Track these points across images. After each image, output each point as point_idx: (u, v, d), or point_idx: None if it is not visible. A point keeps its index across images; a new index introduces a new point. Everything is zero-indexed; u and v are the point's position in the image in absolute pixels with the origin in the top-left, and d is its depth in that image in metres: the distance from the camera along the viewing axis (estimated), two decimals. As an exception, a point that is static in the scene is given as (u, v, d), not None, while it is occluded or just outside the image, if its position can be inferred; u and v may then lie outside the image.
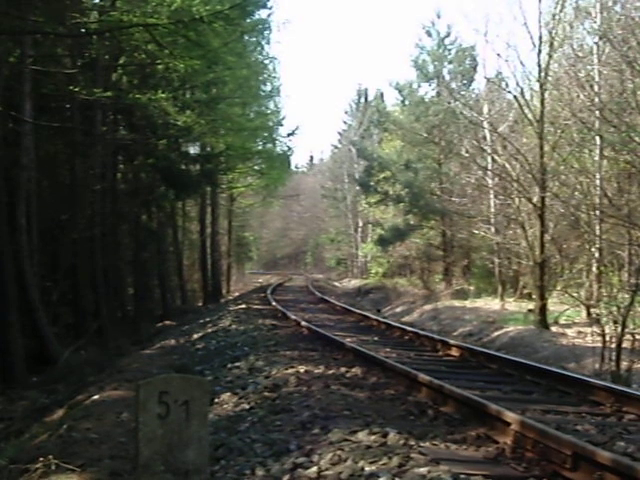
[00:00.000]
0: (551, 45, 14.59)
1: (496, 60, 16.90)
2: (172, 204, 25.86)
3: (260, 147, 28.69)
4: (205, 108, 20.79)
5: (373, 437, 4.77)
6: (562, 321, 14.28)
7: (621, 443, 4.86)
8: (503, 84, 18.47)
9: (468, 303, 19.65)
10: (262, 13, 20.82)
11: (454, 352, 9.76)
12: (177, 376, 4.86)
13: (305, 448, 4.76)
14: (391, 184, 29.27)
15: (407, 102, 31.11)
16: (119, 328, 18.24)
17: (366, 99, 52.76)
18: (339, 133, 56.63)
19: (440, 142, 26.94)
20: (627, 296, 10.10)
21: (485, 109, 20.53)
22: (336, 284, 41.93)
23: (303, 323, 13.04)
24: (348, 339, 10.87)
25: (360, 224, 47.98)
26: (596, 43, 16.11)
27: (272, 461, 4.63)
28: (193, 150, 26.74)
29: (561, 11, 14.76)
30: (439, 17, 28.82)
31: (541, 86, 14.54)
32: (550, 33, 14.57)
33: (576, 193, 16.04)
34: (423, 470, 3.97)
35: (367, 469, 4.09)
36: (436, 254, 27.99)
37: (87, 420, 6.76)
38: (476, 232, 22.55)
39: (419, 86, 30.03)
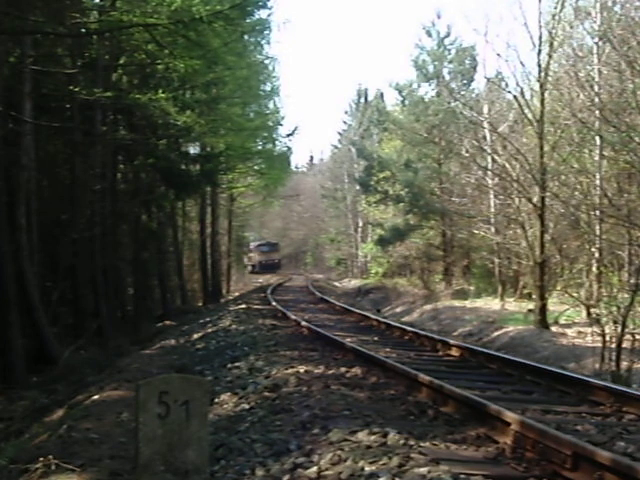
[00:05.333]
0: (551, 45, 14.58)
1: (496, 60, 16.90)
2: (172, 204, 25.84)
3: (260, 147, 28.69)
4: (205, 108, 20.78)
5: (373, 437, 4.77)
6: (562, 321, 14.28)
7: (621, 443, 4.86)
8: (503, 84, 18.48)
9: (468, 303, 19.65)
10: (262, 13, 20.76)
11: (454, 352, 9.76)
12: (177, 376, 4.86)
13: (305, 448, 4.76)
14: (391, 184, 29.28)
15: (407, 102, 31.12)
16: (119, 328, 18.23)
17: (366, 99, 52.73)
18: (339, 133, 56.65)
19: (440, 142, 26.94)
20: (627, 296, 10.10)
21: (485, 109, 20.53)
22: (336, 284, 41.91)
23: (303, 323, 13.04)
24: (348, 339, 10.86)
25: (360, 224, 47.97)
26: (596, 43, 16.11)
27: (272, 461, 4.63)
28: (193, 150, 26.74)
29: (561, 11, 14.76)
30: (439, 17, 28.90)
31: (541, 86, 14.53)
32: (550, 33, 14.57)
33: (576, 193, 16.05)
34: (423, 470, 3.97)
35: (367, 469, 4.09)
36: (436, 254, 27.99)
37: (87, 420, 6.76)
38: (476, 232, 22.55)
39: (419, 86, 30.07)
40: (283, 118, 30.93)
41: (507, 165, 16.47)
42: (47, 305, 14.98)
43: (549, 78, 15.08)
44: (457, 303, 19.78)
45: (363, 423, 5.25)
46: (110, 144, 18.62)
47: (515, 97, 15.70)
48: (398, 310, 21.81)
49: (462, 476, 3.94)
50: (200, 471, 4.28)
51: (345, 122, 55.13)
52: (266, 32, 22.45)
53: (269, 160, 29.57)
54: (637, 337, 9.42)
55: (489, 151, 19.26)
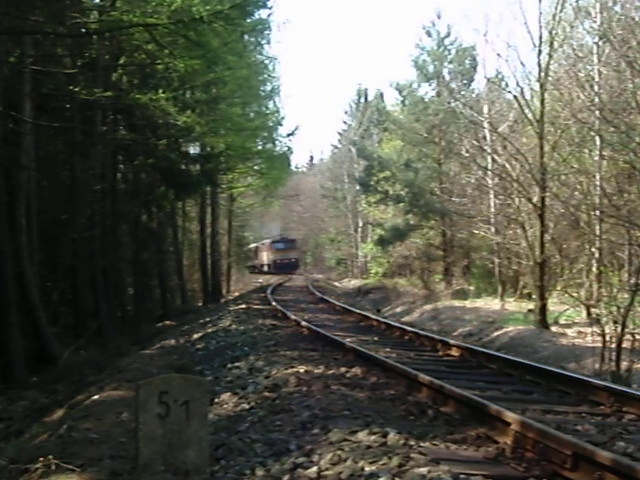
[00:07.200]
0: (551, 45, 14.59)
1: (496, 60, 16.94)
2: (172, 204, 25.85)
3: (260, 147, 28.69)
4: (205, 108, 20.77)
5: (373, 437, 4.77)
6: (562, 321, 14.28)
7: (621, 443, 4.86)
8: (503, 84, 18.51)
9: (468, 303, 19.64)
10: (262, 13, 20.77)
11: (454, 352, 9.76)
12: (177, 376, 4.87)
13: (305, 448, 4.75)
14: (391, 184, 29.29)
15: (407, 102, 31.13)
16: (119, 328, 18.22)
17: (366, 99, 52.73)
18: (339, 133, 56.60)
19: (440, 142, 26.96)
20: (627, 296, 10.11)
21: (485, 109, 20.53)
22: (336, 284, 41.90)
23: (303, 323, 13.04)
24: (348, 339, 10.86)
25: (360, 224, 47.96)
26: (596, 43, 16.11)
27: (272, 461, 4.63)
28: (193, 150, 26.72)
29: (561, 11, 14.75)
30: (439, 17, 28.91)
31: (541, 86, 14.53)
32: (550, 33, 14.57)
33: (576, 193, 16.05)
34: (423, 470, 3.96)
35: (367, 469, 4.09)
36: (436, 254, 27.99)
37: (87, 420, 6.75)
38: (476, 232, 22.55)
39: (419, 86, 30.07)
40: (283, 118, 31.00)
41: (507, 165, 16.47)
42: (47, 305, 14.98)
43: (549, 78, 15.08)
44: (457, 303, 19.77)
45: (363, 423, 5.25)
46: (110, 144, 18.61)
47: (515, 97, 15.70)
48: (398, 310, 21.80)
49: (462, 476, 3.94)
50: (200, 471, 4.28)
51: (345, 122, 55.16)
52: (266, 32, 22.48)
53: (269, 160, 29.56)
54: (637, 337, 9.42)
55: (489, 151, 19.26)
